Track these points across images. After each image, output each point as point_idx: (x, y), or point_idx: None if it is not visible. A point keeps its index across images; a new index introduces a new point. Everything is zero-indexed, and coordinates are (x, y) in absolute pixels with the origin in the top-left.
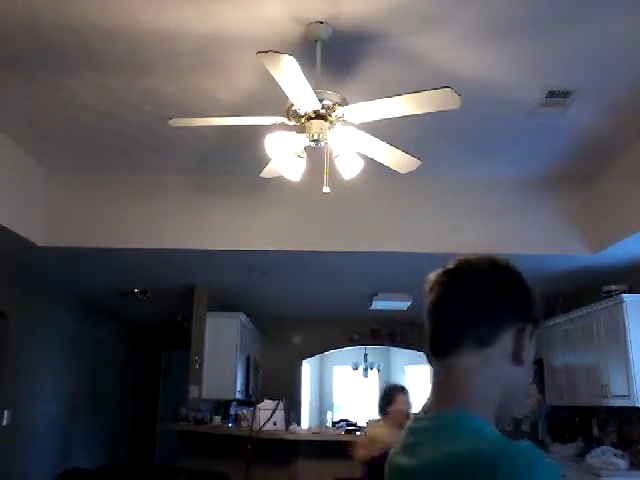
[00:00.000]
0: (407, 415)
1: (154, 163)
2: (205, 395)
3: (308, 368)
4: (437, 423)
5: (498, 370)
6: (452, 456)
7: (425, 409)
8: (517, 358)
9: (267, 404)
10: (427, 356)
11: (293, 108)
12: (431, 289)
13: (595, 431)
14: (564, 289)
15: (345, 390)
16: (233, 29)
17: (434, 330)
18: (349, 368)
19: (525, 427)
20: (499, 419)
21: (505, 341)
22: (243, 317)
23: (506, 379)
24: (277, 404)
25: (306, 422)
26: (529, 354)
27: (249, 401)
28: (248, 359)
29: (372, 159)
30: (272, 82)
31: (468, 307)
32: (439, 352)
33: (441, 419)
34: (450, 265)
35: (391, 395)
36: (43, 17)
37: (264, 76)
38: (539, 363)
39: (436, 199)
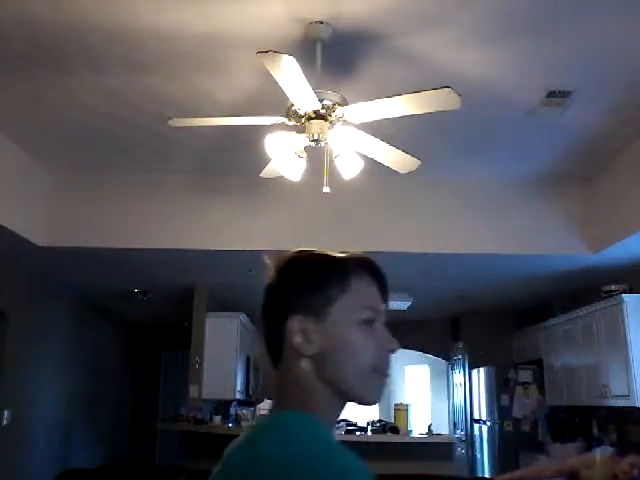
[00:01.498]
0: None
1: (154, 163)
2: (205, 395)
3: None
4: (267, 422)
5: (299, 370)
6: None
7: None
8: (298, 352)
9: (267, 404)
10: None
11: (293, 108)
12: None
13: (595, 431)
14: (564, 289)
15: None
16: (233, 29)
17: None
18: None
19: (525, 427)
20: (353, 400)
21: (286, 343)
22: (243, 317)
23: (314, 374)
24: None
25: None
26: (329, 334)
27: (249, 401)
28: (248, 359)
29: (372, 159)
30: (272, 82)
31: (264, 313)
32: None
33: (270, 419)
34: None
35: (626, 452)
36: (43, 17)
37: (264, 76)
38: (539, 363)
39: (436, 199)
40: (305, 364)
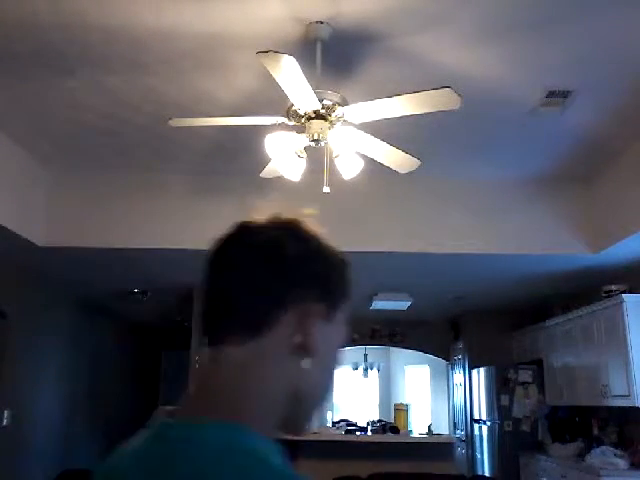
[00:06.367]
0: None
1: (154, 163)
2: None
3: None
4: (195, 435)
5: (280, 366)
6: None
7: (175, 410)
8: (302, 348)
9: None
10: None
11: (293, 108)
12: (208, 259)
13: (595, 431)
14: (564, 289)
15: (345, 390)
16: (233, 29)
17: (205, 307)
18: (349, 368)
19: (525, 427)
20: (283, 428)
21: (286, 326)
22: None
23: (291, 378)
24: None
25: None
26: (327, 344)
27: None
28: None
29: (372, 159)
30: (272, 82)
31: (241, 280)
32: (209, 336)
33: (201, 431)
34: (231, 229)
35: None
36: (43, 17)
37: (264, 76)
38: (539, 363)
39: (436, 199)
40: (297, 368)
